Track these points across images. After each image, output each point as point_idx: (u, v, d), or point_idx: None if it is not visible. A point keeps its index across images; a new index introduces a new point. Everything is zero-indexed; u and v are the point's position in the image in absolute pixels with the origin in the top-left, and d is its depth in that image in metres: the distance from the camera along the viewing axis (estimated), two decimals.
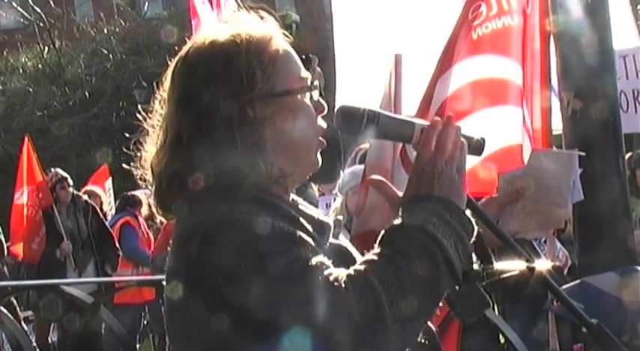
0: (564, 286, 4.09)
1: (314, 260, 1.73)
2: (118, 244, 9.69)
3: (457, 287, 1.79)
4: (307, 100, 1.95)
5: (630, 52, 6.08)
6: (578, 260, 4.37)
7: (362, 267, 1.73)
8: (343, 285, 1.69)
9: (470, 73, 4.72)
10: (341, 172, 5.45)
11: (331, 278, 1.70)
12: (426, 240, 1.74)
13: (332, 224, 1.98)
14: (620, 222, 4.23)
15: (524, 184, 2.30)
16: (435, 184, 1.81)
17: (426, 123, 1.99)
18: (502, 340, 6.37)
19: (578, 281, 4.15)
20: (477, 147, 2.00)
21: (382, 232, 1.82)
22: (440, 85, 4.63)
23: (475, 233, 1.82)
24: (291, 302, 1.69)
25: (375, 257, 1.75)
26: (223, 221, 1.77)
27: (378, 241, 1.80)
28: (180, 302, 1.81)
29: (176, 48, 2.04)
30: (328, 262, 1.75)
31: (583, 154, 3.81)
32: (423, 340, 1.87)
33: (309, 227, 1.85)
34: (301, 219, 1.86)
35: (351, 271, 1.73)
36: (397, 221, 1.81)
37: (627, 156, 5.54)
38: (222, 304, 1.74)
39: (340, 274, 1.72)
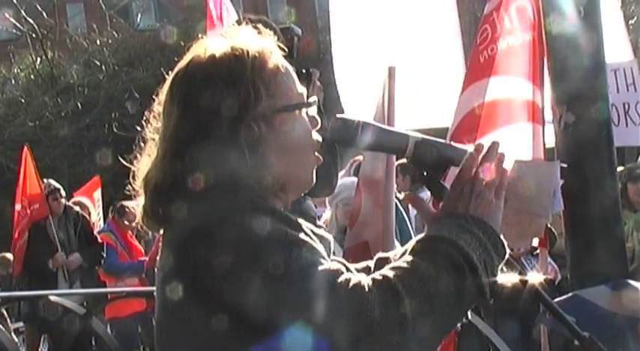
0: (556, 300, 4.10)
1: (326, 264, 1.75)
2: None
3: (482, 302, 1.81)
4: (304, 115, 1.97)
5: (621, 66, 6.10)
6: (570, 272, 4.37)
7: (388, 272, 1.75)
8: (367, 288, 1.70)
9: (477, 98, 4.77)
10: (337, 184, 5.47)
11: (352, 282, 1.71)
12: (456, 254, 1.75)
13: (332, 240, 1.99)
14: (613, 228, 4.23)
15: (506, 194, 2.31)
16: (472, 204, 1.84)
17: (419, 136, 2.00)
18: None
19: (570, 294, 4.15)
20: None
21: (413, 241, 1.84)
22: (457, 106, 4.75)
23: (506, 257, 1.84)
24: (290, 303, 1.70)
25: (403, 264, 1.76)
26: (223, 222, 1.77)
27: (408, 250, 1.82)
28: (179, 303, 1.81)
29: (175, 59, 2.04)
30: (343, 268, 1.77)
31: (564, 165, 3.80)
32: None
33: (315, 238, 1.86)
34: (305, 229, 1.87)
35: (376, 275, 1.74)
36: (429, 232, 1.83)
37: (619, 170, 5.55)
38: (221, 304, 1.75)
39: (362, 278, 1.73)
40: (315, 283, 1.71)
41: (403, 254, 1.92)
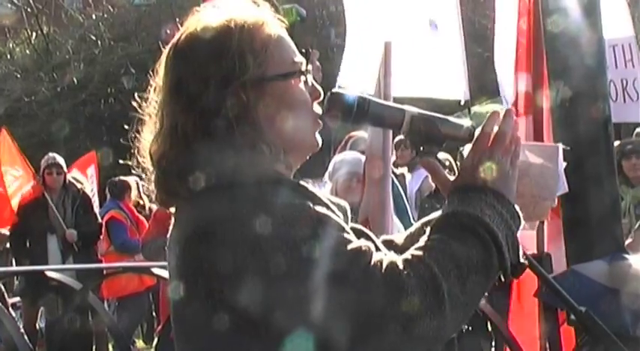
0: (553, 275, 4.10)
1: (356, 244, 1.74)
2: (105, 234, 9.70)
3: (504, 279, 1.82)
4: (301, 85, 1.95)
5: (620, 41, 6.08)
6: (567, 248, 4.37)
7: (419, 253, 1.74)
8: (402, 271, 1.69)
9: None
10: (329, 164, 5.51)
11: (385, 264, 1.70)
12: (482, 231, 1.76)
13: (347, 206, 1.98)
14: (612, 227, 4.24)
15: None
16: (490, 176, 1.83)
17: (416, 110, 1.99)
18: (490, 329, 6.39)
19: (567, 270, 4.16)
20: (468, 134, 2.00)
21: (437, 217, 1.84)
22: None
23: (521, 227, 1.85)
24: (296, 300, 1.69)
25: (433, 243, 1.76)
26: (224, 220, 1.76)
27: (432, 226, 1.81)
28: (183, 302, 1.82)
29: (167, 33, 2.04)
30: (371, 245, 1.76)
31: (567, 148, 3.81)
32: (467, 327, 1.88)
33: (332, 206, 1.85)
34: (320, 196, 1.86)
35: (407, 255, 1.74)
36: (451, 208, 1.82)
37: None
38: (223, 304, 1.74)
39: (394, 258, 1.72)
40: (317, 280, 1.68)
41: (424, 227, 1.93)
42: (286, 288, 1.70)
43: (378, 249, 1.85)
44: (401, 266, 1.70)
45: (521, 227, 1.85)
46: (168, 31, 2.04)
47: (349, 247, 1.73)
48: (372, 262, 1.71)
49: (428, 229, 1.82)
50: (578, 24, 4.21)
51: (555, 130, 4.36)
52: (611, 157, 4.28)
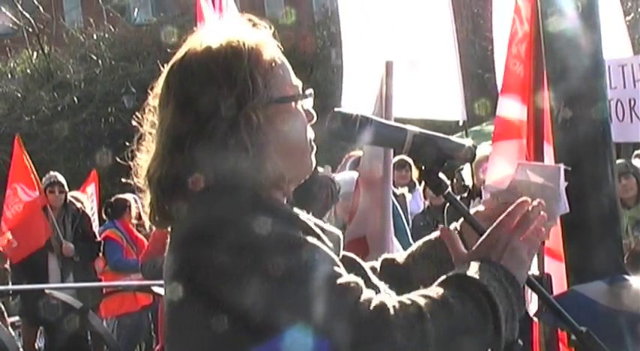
0: (554, 295, 4.10)
1: (346, 279, 1.76)
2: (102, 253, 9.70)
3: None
4: (299, 107, 1.97)
5: (629, 61, 6.09)
6: (568, 273, 4.35)
7: (418, 299, 1.76)
8: (392, 311, 1.71)
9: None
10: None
11: (375, 302, 1.72)
12: (484, 300, 1.78)
13: (341, 235, 1.99)
14: (612, 228, 4.23)
15: (510, 197, 2.31)
16: (505, 256, 1.86)
17: (417, 130, 2.00)
18: None
19: (567, 290, 4.16)
20: (469, 154, 2.02)
21: (446, 275, 1.86)
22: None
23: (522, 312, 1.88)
24: (291, 304, 1.70)
25: (433, 293, 1.78)
26: (223, 222, 1.77)
27: (439, 281, 1.83)
28: (180, 304, 1.82)
29: (168, 50, 2.03)
30: (361, 282, 1.77)
31: (569, 168, 3.81)
32: None
33: (323, 236, 1.86)
34: (312, 226, 1.87)
35: (404, 298, 1.77)
36: (461, 270, 1.84)
37: None
38: (221, 305, 1.75)
39: (386, 300, 1.74)
40: (315, 285, 1.71)
41: (424, 246, 2.03)
42: (280, 297, 1.72)
43: (369, 279, 1.88)
44: (389, 305, 1.73)
45: (522, 312, 1.87)
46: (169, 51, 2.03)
47: (339, 281, 1.75)
48: (361, 299, 1.73)
49: (433, 285, 1.83)
50: (575, 24, 4.21)
51: (555, 131, 4.36)
52: (611, 157, 4.27)
